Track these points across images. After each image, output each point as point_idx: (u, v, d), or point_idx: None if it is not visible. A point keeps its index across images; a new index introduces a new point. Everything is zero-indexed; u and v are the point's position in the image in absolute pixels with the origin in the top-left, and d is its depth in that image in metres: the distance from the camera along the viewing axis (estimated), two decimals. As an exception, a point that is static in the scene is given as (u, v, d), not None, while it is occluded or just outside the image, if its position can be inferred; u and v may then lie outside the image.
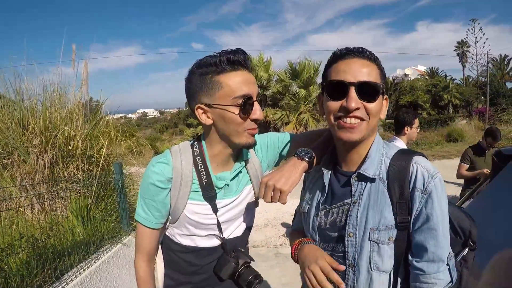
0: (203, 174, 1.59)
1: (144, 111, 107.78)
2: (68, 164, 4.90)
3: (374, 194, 1.35)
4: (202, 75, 1.46)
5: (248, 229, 1.83)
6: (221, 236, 1.67)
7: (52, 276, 3.21)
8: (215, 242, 1.70)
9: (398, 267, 1.38)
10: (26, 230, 3.52)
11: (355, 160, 1.43)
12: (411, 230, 1.34)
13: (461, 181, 6.26)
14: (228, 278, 1.68)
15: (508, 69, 45.49)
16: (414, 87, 39.93)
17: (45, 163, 4.61)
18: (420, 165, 1.33)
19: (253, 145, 1.55)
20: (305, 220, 1.60)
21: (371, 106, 1.30)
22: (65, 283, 3.20)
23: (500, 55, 46.00)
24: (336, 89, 1.31)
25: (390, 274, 1.37)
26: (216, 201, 1.61)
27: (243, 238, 1.81)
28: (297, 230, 1.73)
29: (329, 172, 1.49)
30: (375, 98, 1.30)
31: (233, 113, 1.44)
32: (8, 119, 4.75)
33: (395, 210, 1.32)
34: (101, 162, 5.07)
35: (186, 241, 1.70)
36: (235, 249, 1.70)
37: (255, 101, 1.47)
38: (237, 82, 1.44)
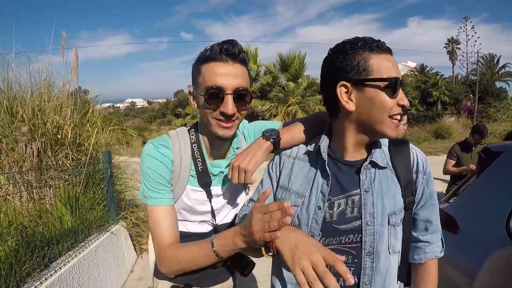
0: (199, 161, 1.60)
1: (133, 101, 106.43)
2: (57, 153, 4.88)
3: (385, 181, 1.38)
4: (196, 62, 1.52)
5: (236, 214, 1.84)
6: (214, 222, 1.69)
7: (41, 264, 3.21)
8: (207, 228, 1.71)
9: (404, 246, 1.45)
10: (15, 218, 3.51)
11: (359, 151, 1.40)
12: (414, 209, 1.45)
13: (447, 178, 6.34)
14: (220, 265, 1.65)
15: (497, 68, 45.82)
16: (403, 83, 40.08)
17: (33, 151, 4.59)
18: (417, 151, 1.46)
19: (224, 138, 1.51)
20: (298, 214, 1.43)
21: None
22: (53, 270, 3.20)
23: (490, 54, 46.35)
24: (394, 86, 1.27)
25: (399, 252, 1.44)
26: (211, 188, 1.62)
27: (233, 225, 1.82)
28: None
29: (329, 163, 1.40)
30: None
31: (204, 101, 1.45)
32: (-4, 107, 4.71)
33: (403, 193, 1.39)
34: (89, 151, 5.06)
35: (179, 227, 1.66)
36: None
37: (226, 94, 1.43)
38: (212, 72, 1.44)
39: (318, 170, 1.43)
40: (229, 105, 1.43)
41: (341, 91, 1.27)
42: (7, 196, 4.33)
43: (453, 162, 5.95)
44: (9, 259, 3.01)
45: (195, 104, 1.55)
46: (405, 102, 1.28)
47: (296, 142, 1.54)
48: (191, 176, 1.61)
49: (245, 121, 1.81)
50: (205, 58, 1.46)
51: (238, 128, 1.66)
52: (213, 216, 1.66)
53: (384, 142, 1.46)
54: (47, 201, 4.51)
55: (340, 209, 1.38)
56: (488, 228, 2.39)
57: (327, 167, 1.38)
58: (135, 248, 5.51)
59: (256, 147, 1.47)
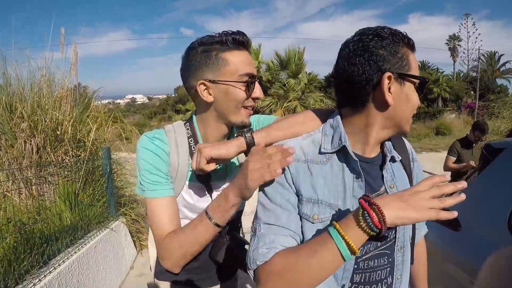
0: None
1: (133, 97, 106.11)
2: (56, 149, 4.87)
3: (399, 173, 1.36)
4: (206, 51, 1.45)
5: (239, 212, 1.83)
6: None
7: (40, 261, 3.20)
8: None
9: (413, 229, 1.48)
10: (14, 215, 3.50)
11: (374, 147, 1.29)
12: None
13: (448, 174, 6.32)
14: (225, 262, 1.62)
15: (498, 65, 45.74)
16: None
17: (33, 147, 4.58)
18: (406, 140, 1.52)
19: (248, 125, 1.54)
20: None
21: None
22: (52, 267, 3.20)
23: (491, 51, 46.24)
24: (423, 87, 1.21)
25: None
26: (211, 182, 1.59)
27: (236, 222, 1.81)
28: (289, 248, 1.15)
29: (355, 163, 1.21)
30: None
31: (240, 89, 1.46)
32: (-5, 104, 4.70)
33: (410, 182, 1.41)
34: (89, 147, 5.05)
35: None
36: (229, 232, 1.66)
37: (256, 80, 1.49)
38: (241, 61, 1.46)
39: (345, 173, 1.23)
40: (260, 91, 1.53)
41: (385, 83, 1.11)
42: (6, 193, 4.32)
43: (453, 158, 5.94)
44: (7, 256, 3.00)
45: (211, 95, 1.48)
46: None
47: (278, 138, 1.34)
48: (190, 171, 1.56)
49: None
50: (226, 46, 1.45)
51: None
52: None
53: None
54: (46, 198, 4.50)
55: None
56: (490, 225, 2.37)
57: (360, 168, 1.20)
58: (135, 245, 5.51)
59: (226, 141, 1.41)
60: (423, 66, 46.22)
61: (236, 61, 1.45)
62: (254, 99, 1.52)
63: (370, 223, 0.95)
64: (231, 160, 1.60)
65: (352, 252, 0.97)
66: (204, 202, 1.55)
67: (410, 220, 0.96)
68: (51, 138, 4.81)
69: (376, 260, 1.25)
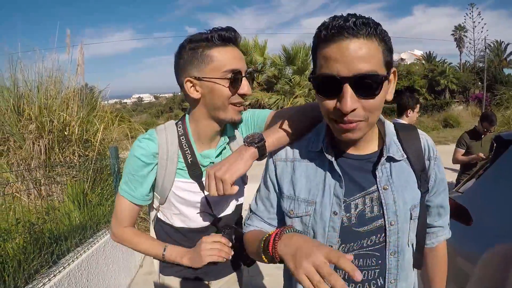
0: (188, 153, 1.61)
1: (140, 96, 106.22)
2: (64, 149, 4.89)
3: (401, 174, 1.26)
4: (193, 49, 1.48)
5: (239, 206, 1.84)
6: (212, 214, 1.67)
7: (49, 261, 3.22)
8: (206, 222, 1.71)
9: (420, 233, 1.38)
10: (23, 216, 3.52)
11: (366, 143, 1.26)
12: (427, 197, 1.37)
13: (457, 167, 6.27)
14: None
15: (505, 55, 45.33)
16: (411, 72, 39.74)
17: (41, 148, 4.61)
18: (425, 136, 1.38)
19: (239, 121, 1.58)
20: (312, 224, 1.28)
21: (371, 103, 1.07)
22: (62, 267, 3.21)
23: (498, 40, 45.83)
24: (326, 85, 1.08)
25: (413, 243, 1.36)
26: (203, 179, 1.61)
27: (235, 216, 1.83)
28: (257, 230, 1.42)
29: (332, 162, 1.22)
30: (375, 94, 1.06)
31: (223, 86, 1.47)
32: (4, 106, 4.73)
33: (419, 182, 1.29)
34: (96, 147, 5.07)
35: (177, 222, 1.71)
36: (229, 226, 1.70)
37: (243, 76, 1.49)
38: (227, 57, 1.46)
39: (327, 171, 1.25)
40: (248, 87, 1.51)
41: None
42: (16, 194, 4.35)
43: (462, 151, 5.89)
44: (17, 256, 3.02)
45: (198, 92, 1.51)
46: None
47: (284, 143, 1.38)
48: (180, 169, 1.62)
49: None
50: (212, 43, 1.46)
51: None
52: (210, 207, 1.64)
53: (393, 131, 1.32)
54: (55, 198, 4.53)
55: (358, 210, 1.24)
56: (502, 219, 2.35)
57: (336, 167, 1.21)
58: (144, 243, 5.49)
59: (237, 154, 1.35)
60: (428, 58, 45.96)
61: (221, 58, 1.46)
62: (242, 95, 1.51)
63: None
64: (225, 155, 1.67)
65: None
66: (198, 196, 1.63)
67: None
68: (59, 138, 4.84)
69: (362, 260, 1.25)
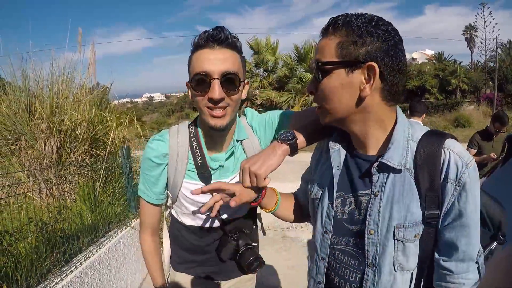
0: (198, 155, 1.63)
1: (151, 95, 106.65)
2: (76, 149, 4.92)
3: (399, 186, 1.17)
4: (190, 53, 1.53)
5: (252, 209, 1.84)
6: (220, 217, 1.71)
7: (61, 260, 3.23)
8: (216, 223, 1.73)
9: (422, 265, 1.22)
10: (35, 215, 3.54)
11: (373, 144, 1.24)
12: (439, 226, 1.17)
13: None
14: (229, 259, 1.73)
15: (517, 55, 44.81)
16: (422, 71, 39.45)
17: (52, 148, 4.63)
18: (453, 152, 1.14)
19: (217, 128, 1.50)
20: (316, 207, 1.39)
21: (319, 92, 1.24)
22: (74, 266, 3.22)
23: (509, 40, 45.34)
24: None
25: (412, 272, 1.22)
26: (212, 181, 1.63)
27: (247, 219, 1.84)
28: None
29: (342, 152, 1.32)
30: (317, 87, 1.22)
31: (192, 89, 1.48)
32: (16, 105, 4.77)
33: (423, 204, 1.15)
34: (108, 146, 5.08)
35: (187, 220, 1.76)
36: (238, 230, 1.73)
37: (213, 79, 1.42)
38: (198, 60, 1.45)
39: (337, 165, 1.31)
40: (215, 90, 1.42)
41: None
42: (27, 193, 4.38)
43: (474, 151, 5.86)
44: (29, 256, 3.03)
45: (191, 95, 1.55)
46: None
47: (314, 141, 1.49)
48: (189, 170, 1.65)
49: (254, 112, 1.79)
50: (194, 46, 1.49)
51: (235, 118, 1.64)
52: (218, 210, 1.61)
53: (416, 135, 1.21)
54: (66, 197, 4.55)
55: (350, 208, 1.27)
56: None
57: (333, 161, 1.32)
58: (155, 242, 5.50)
59: (270, 150, 1.39)
60: (439, 57, 45.59)
61: (195, 61, 1.47)
62: (210, 99, 1.45)
63: None
64: (239, 158, 1.71)
65: None
66: (207, 197, 1.56)
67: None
68: (70, 138, 4.86)
69: (346, 257, 1.29)
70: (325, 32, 1.17)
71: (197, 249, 1.81)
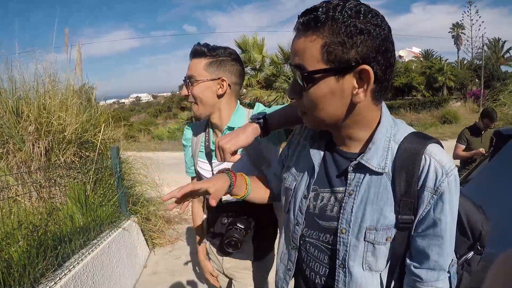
0: (206, 139, 2.04)
1: (138, 96, 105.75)
2: (65, 151, 4.86)
3: (375, 187, 1.13)
4: None
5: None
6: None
7: (54, 264, 3.19)
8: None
9: (393, 267, 1.21)
10: (26, 218, 3.50)
11: (355, 143, 1.20)
12: (412, 232, 1.15)
13: (457, 163, 6.30)
14: (217, 233, 2.06)
15: (503, 52, 45.35)
16: (409, 69, 39.77)
17: (41, 150, 4.58)
18: (434, 158, 1.09)
19: (196, 117, 1.94)
20: (290, 198, 1.38)
21: (306, 97, 1.08)
22: (67, 269, 3.19)
23: (495, 38, 45.85)
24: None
25: (381, 273, 1.21)
26: (213, 161, 1.99)
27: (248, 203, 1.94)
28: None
29: (322, 146, 1.29)
30: (301, 94, 1.09)
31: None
32: (2, 108, 4.70)
33: (397, 208, 1.11)
34: (97, 147, 5.04)
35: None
36: (237, 214, 1.98)
37: (184, 81, 1.88)
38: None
39: (312, 158, 1.28)
40: (182, 90, 1.92)
41: None
42: (17, 197, 4.32)
43: (463, 146, 5.93)
44: (22, 260, 2.99)
45: None
46: None
47: (288, 124, 1.57)
48: (201, 151, 2.06)
49: (261, 106, 1.95)
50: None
51: (213, 109, 1.91)
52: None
53: (398, 135, 1.16)
54: (57, 200, 4.50)
55: (322, 203, 1.25)
56: (503, 211, 2.35)
57: (313, 158, 1.27)
58: (147, 243, 5.50)
59: (241, 129, 1.53)
60: (427, 55, 46.02)
61: None
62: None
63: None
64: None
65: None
66: (208, 174, 2.02)
67: None
68: (59, 139, 4.81)
69: (316, 251, 1.30)
70: (304, 29, 1.02)
71: (210, 222, 2.16)
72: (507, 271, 2.10)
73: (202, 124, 2.08)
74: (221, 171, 1.48)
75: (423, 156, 1.09)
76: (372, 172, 1.13)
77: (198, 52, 1.82)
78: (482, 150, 5.48)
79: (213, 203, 1.29)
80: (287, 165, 1.46)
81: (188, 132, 2.16)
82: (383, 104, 1.17)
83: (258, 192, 1.62)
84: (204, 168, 2.03)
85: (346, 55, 0.97)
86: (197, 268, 4.85)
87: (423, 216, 1.11)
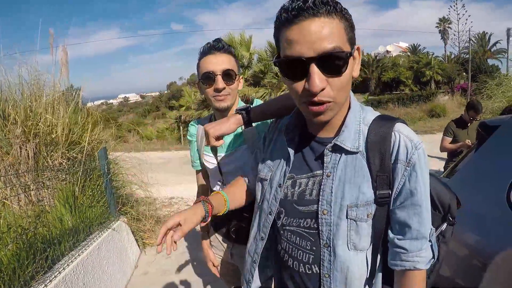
0: None
1: (126, 96, 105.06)
2: (52, 153, 4.83)
3: (351, 167, 1.20)
4: (198, 61, 2.00)
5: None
6: (222, 182, 2.14)
7: (44, 266, 3.18)
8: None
9: (376, 245, 1.26)
10: (15, 222, 3.48)
11: (328, 128, 1.27)
12: (391, 206, 1.22)
13: (445, 155, 6.36)
14: (224, 221, 2.12)
15: (489, 46, 45.75)
16: (396, 64, 40.05)
17: (28, 153, 4.55)
18: (402, 134, 1.19)
19: (221, 108, 1.96)
20: (264, 188, 1.44)
21: (338, 81, 1.08)
22: (57, 272, 3.18)
23: (482, 32, 46.25)
24: (292, 68, 1.10)
25: (367, 252, 1.25)
26: (218, 154, 2.08)
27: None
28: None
29: (296, 135, 1.36)
30: (341, 71, 1.07)
31: (202, 84, 1.97)
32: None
33: (374, 184, 1.18)
34: (85, 148, 5.01)
35: (213, 185, 2.24)
36: None
37: (217, 75, 1.88)
38: (205, 63, 1.93)
39: (283, 146, 1.37)
40: (218, 82, 1.89)
41: None
42: (5, 201, 4.28)
43: (449, 139, 5.97)
44: (11, 263, 2.98)
45: (200, 89, 2.04)
46: None
47: (269, 115, 1.69)
48: (205, 145, 2.12)
49: (259, 102, 2.02)
50: (201, 54, 1.96)
51: (234, 103, 2.03)
52: (221, 175, 2.10)
53: (367, 118, 1.26)
54: (45, 203, 4.48)
55: (300, 189, 1.30)
56: (488, 201, 2.39)
57: (288, 147, 1.34)
58: (137, 243, 5.49)
59: (226, 118, 1.70)
60: (414, 49, 46.32)
61: (203, 64, 1.94)
62: (216, 89, 1.91)
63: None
64: (238, 139, 2.05)
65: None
66: (214, 166, 2.12)
67: None
68: (46, 142, 4.78)
69: (298, 238, 1.31)
70: (327, 11, 1.04)
71: None
72: (506, 271, 2.12)
73: (206, 120, 2.21)
74: (198, 201, 1.45)
75: (393, 133, 1.19)
76: (348, 152, 1.21)
77: (227, 49, 1.96)
78: (468, 142, 5.52)
79: (176, 237, 1.28)
80: (262, 158, 1.53)
81: (193, 128, 2.29)
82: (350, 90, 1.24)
83: (236, 201, 1.65)
84: (209, 161, 2.14)
85: (354, 37, 1.13)
86: (188, 267, 4.87)
87: (400, 188, 1.19)
